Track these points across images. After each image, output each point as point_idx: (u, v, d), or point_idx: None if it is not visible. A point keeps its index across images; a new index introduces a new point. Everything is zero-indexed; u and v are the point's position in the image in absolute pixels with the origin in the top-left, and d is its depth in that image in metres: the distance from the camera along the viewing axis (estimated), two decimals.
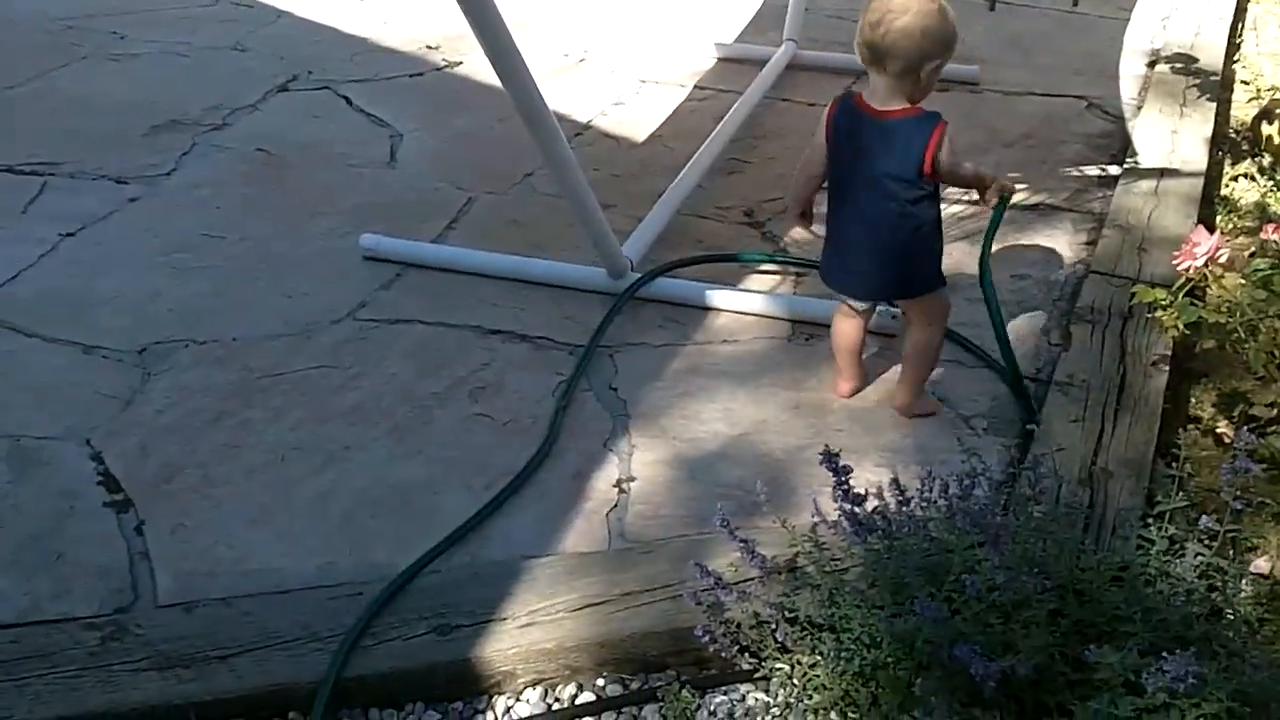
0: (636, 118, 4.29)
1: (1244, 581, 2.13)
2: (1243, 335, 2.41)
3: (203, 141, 4.11)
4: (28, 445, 2.70)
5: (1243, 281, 2.56)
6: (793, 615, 2.09)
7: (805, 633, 2.07)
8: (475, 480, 2.58)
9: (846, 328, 2.77)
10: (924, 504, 2.14)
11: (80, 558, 2.40)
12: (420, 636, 2.15)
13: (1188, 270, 2.52)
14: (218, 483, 2.60)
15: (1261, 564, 2.44)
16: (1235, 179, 4.03)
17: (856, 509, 2.03)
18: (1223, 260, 2.51)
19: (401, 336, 3.07)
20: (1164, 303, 2.59)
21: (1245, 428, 2.79)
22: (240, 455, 2.67)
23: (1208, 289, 2.62)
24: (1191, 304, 2.47)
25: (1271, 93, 4.59)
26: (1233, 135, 4.30)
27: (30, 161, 3.98)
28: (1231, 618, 2.04)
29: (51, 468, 2.64)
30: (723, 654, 2.10)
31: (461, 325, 3.11)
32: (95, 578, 2.35)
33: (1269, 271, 2.41)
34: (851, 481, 2.03)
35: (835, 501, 2.04)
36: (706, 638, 2.07)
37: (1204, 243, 2.50)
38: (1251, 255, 2.92)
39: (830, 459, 2.02)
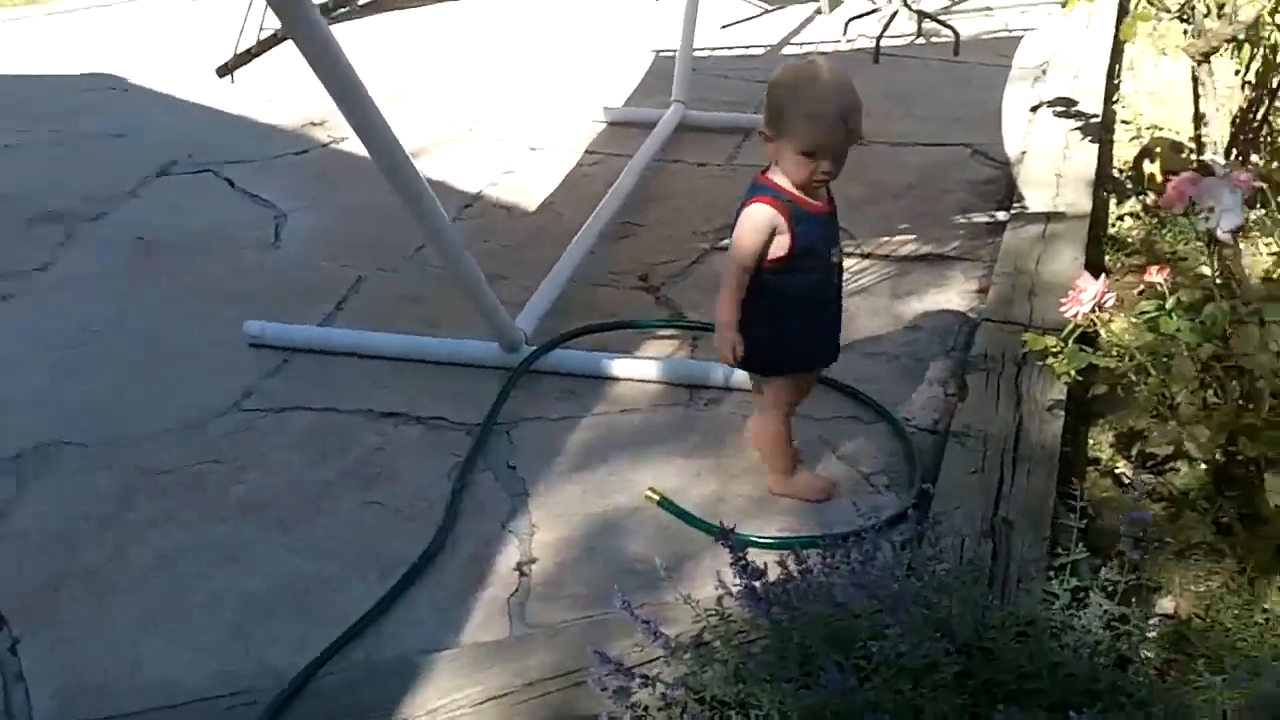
0: (527, 185, 4.26)
1: (1150, 624, 2.11)
2: (1133, 379, 2.41)
3: (80, 232, 4.02)
4: None
5: (1132, 323, 2.57)
6: (700, 695, 2.04)
7: (714, 711, 2.03)
8: (370, 572, 2.51)
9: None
10: (826, 570, 2.11)
11: None
12: None
13: (1075, 316, 2.53)
14: (104, 592, 2.50)
15: (1167, 604, 2.45)
16: (1121, 218, 4.09)
17: (755, 583, 1.99)
18: (1109, 305, 2.52)
19: (289, 425, 3.00)
20: (1054, 350, 2.59)
21: (1143, 468, 2.83)
22: (127, 561, 2.58)
23: (1098, 332, 2.63)
24: (1081, 350, 2.47)
25: (1152, 131, 4.66)
26: (1117, 175, 4.37)
27: None
28: (1138, 666, 2.02)
29: None
30: None
31: (352, 410, 3.04)
32: None
33: (1155, 314, 2.42)
34: (747, 555, 1.99)
35: (734, 577, 2.00)
36: None
37: (1090, 288, 2.50)
38: (1140, 294, 2.94)
39: (724, 535, 1.98)
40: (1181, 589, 2.50)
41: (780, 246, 2.45)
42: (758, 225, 2.44)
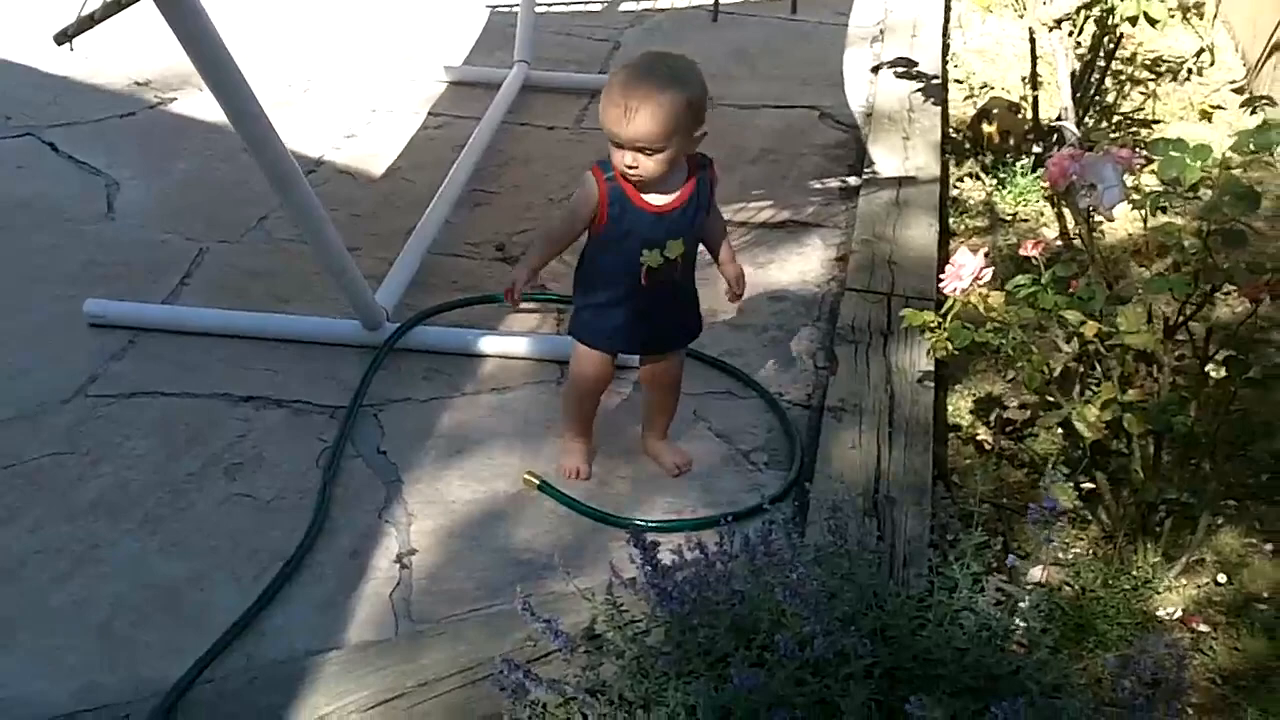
0: (371, 150, 4.12)
1: (1026, 597, 2.15)
2: (1014, 355, 2.44)
3: None
4: None
5: (1004, 299, 2.59)
6: (599, 689, 2.01)
7: (615, 707, 1.99)
8: (244, 570, 2.41)
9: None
10: (724, 557, 2.09)
11: None
12: None
13: (954, 292, 2.54)
14: None
15: (1037, 573, 2.49)
16: (961, 179, 4.15)
17: (659, 575, 1.96)
18: (986, 279, 2.54)
19: (142, 412, 2.85)
20: (933, 325, 2.60)
21: (1002, 434, 2.89)
22: None
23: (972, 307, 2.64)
24: (965, 327, 2.49)
25: (985, 91, 4.74)
26: (954, 135, 4.43)
27: None
28: (1025, 644, 2.05)
29: None
30: None
31: (209, 394, 2.91)
32: None
33: (1033, 288, 2.44)
34: (658, 554, 1.95)
35: (643, 577, 1.96)
36: None
37: (969, 264, 2.52)
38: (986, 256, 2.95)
39: (638, 538, 1.94)
40: (1049, 557, 2.55)
41: (597, 219, 2.46)
42: (580, 191, 2.48)
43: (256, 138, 2.60)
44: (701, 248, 2.58)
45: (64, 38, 2.57)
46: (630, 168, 2.36)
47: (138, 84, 4.59)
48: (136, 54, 4.67)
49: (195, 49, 2.44)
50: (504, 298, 2.57)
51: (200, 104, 4.33)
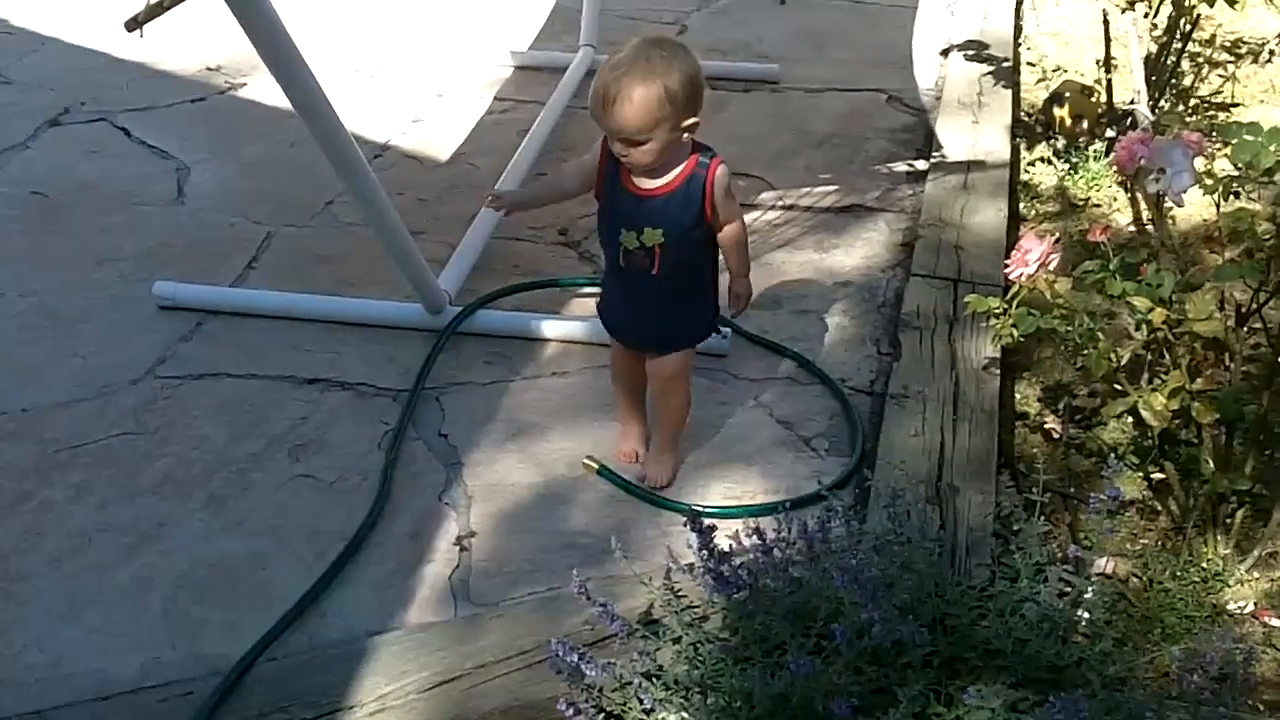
0: (437, 135, 4.14)
1: (1090, 588, 2.12)
2: (1081, 343, 2.40)
3: None
4: None
5: (1072, 285, 2.55)
6: (655, 674, 2.00)
7: (670, 691, 1.99)
8: (305, 550, 2.43)
9: None
10: (782, 544, 2.07)
11: None
12: None
13: (1020, 277, 2.51)
14: (20, 576, 2.38)
15: (1101, 564, 2.45)
16: (1033, 164, 4.09)
17: (722, 567, 1.95)
18: (1053, 265, 2.51)
19: (209, 393, 2.88)
20: (997, 311, 2.57)
21: (1071, 422, 2.84)
22: (43, 542, 2.46)
23: (1038, 293, 2.61)
24: (1030, 313, 2.46)
25: (1058, 74, 4.68)
26: (1025, 119, 4.37)
27: None
28: (1088, 635, 2.02)
29: None
30: None
31: (274, 376, 2.93)
32: None
33: (1100, 274, 2.40)
34: (715, 540, 1.94)
35: (700, 563, 1.95)
36: (570, 710, 1.97)
37: (1035, 249, 2.48)
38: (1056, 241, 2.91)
39: (696, 523, 1.93)
40: (1116, 549, 2.51)
41: (596, 188, 2.47)
42: (589, 155, 2.47)
43: (320, 124, 2.61)
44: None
45: (134, 24, 2.59)
46: (622, 155, 2.33)
47: (208, 69, 4.64)
48: (207, 40, 4.71)
49: (257, 36, 2.45)
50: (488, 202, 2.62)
51: (269, 89, 4.34)
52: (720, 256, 2.53)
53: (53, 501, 2.57)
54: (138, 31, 2.62)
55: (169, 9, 2.59)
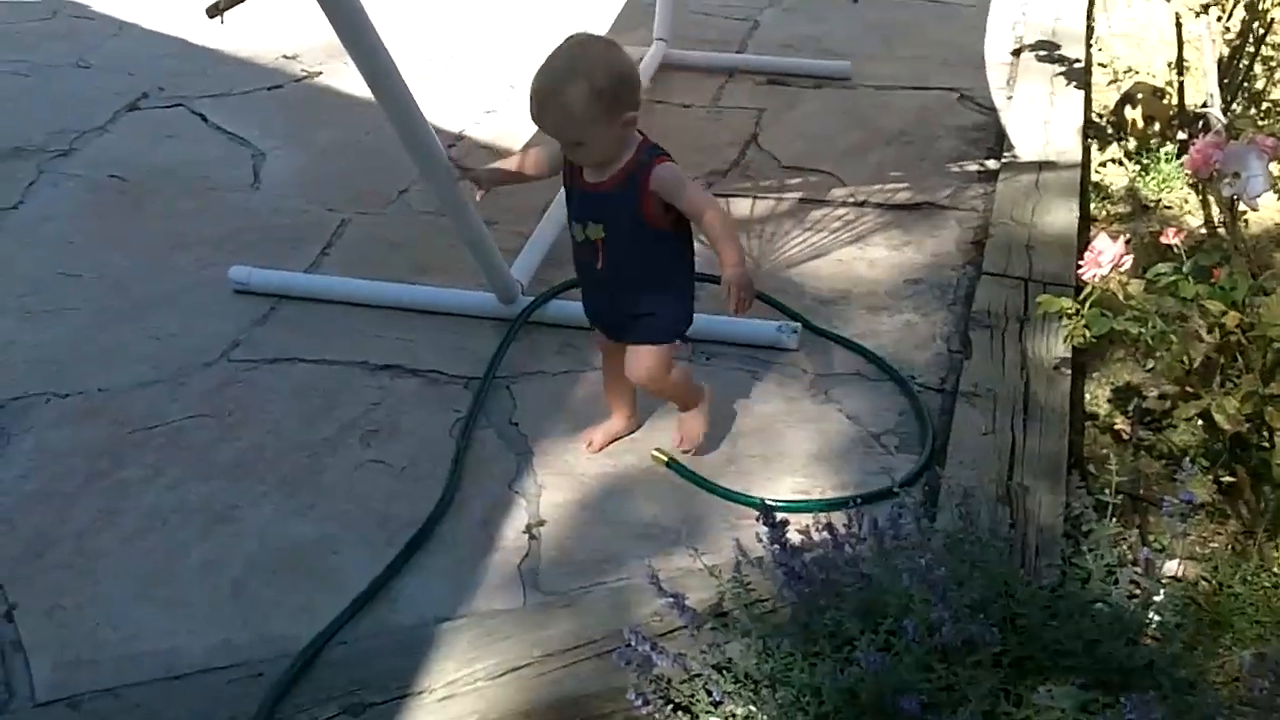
0: (510, 126, 4.15)
1: (1161, 590, 2.10)
2: (1153, 345, 2.38)
3: (50, 170, 3.87)
4: None
5: (1144, 287, 2.53)
6: (724, 666, 2.01)
7: (739, 684, 1.99)
8: (376, 535, 2.45)
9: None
10: (853, 540, 2.07)
11: None
12: (332, 718, 2.02)
13: (1093, 279, 2.49)
14: (95, 554, 2.42)
15: (1172, 567, 2.43)
16: (1104, 164, 4.06)
17: (789, 557, 1.95)
18: (1126, 267, 2.49)
19: (282, 377, 2.91)
20: (1070, 312, 2.55)
21: (1141, 424, 2.81)
22: (117, 521, 2.50)
23: (1111, 294, 2.59)
24: (1103, 314, 2.44)
25: (1130, 75, 4.62)
26: (1097, 120, 4.33)
27: None
28: (1159, 638, 2.00)
29: None
30: (655, 715, 2.01)
31: (346, 361, 2.96)
32: None
33: (1174, 277, 2.38)
34: (787, 534, 1.94)
35: (771, 557, 1.96)
36: (639, 700, 1.97)
37: (1109, 250, 2.46)
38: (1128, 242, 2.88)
39: (768, 517, 1.93)
40: (1186, 552, 2.49)
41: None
42: None
43: (399, 112, 2.64)
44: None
45: (215, 10, 2.63)
46: (569, 154, 2.39)
47: (285, 57, 4.69)
48: (284, 28, 4.78)
49: (340, 23, 2.48)
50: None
51: (345, 78, 4.41)
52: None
53: (127, 481, 2.61)
54: (218, 18, 2.65)
55: None
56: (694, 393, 2.67)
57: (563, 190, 2.52)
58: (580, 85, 2.24)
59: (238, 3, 2.65)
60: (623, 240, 2.41)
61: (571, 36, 2.34)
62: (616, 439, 2.71)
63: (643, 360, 2.52)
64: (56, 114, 4.22)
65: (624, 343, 2.55)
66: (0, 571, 2.37)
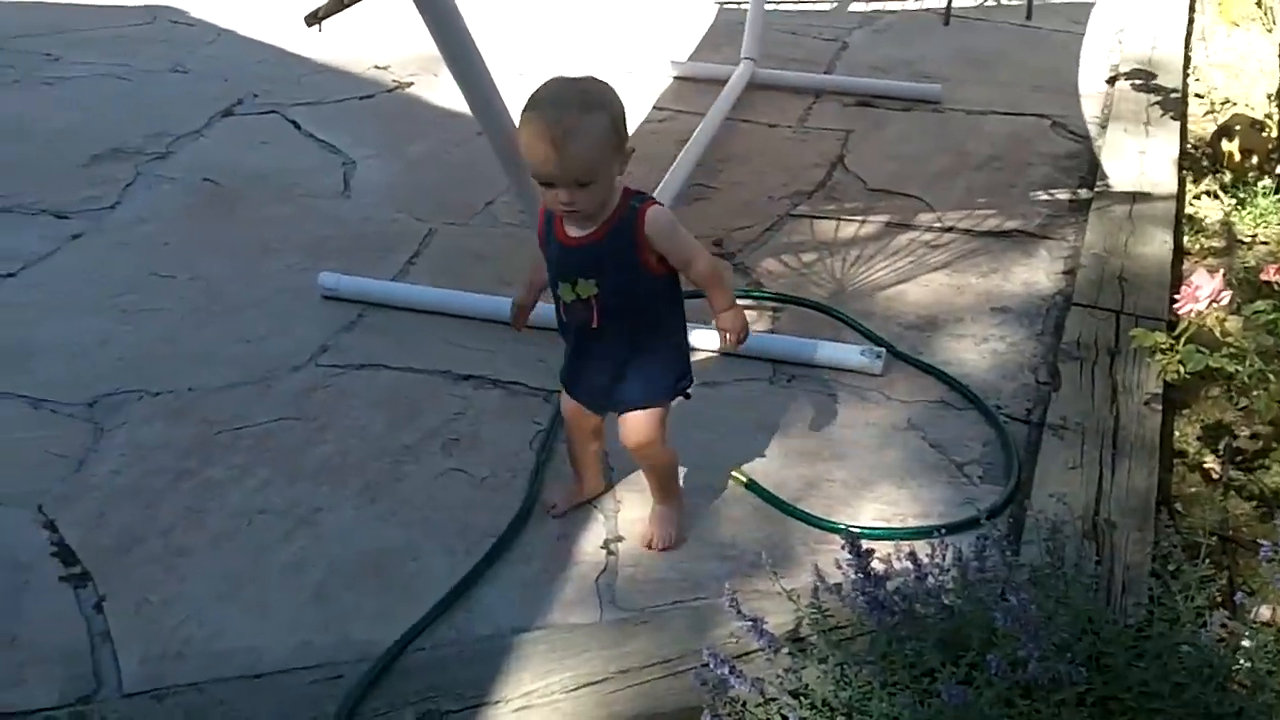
0: None
1: (1251, 635, 2.06)
2: (1249, 383, 2.34)
3: (147, 171, 3.95)
4: None
5: (1241, 324, 2.49)
6: (801, 692, 1.99)
7: (815, 711, 1.98)
8: (455, 544, 2.46)
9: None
10: (936, 570, 2.05)
11: (36, 640, 2.25)
12: None
13: (1189, 314, 2.45)
14: (182, 551, 2.45)
15: (1264, 612, 2.38)
16: (1198, 197, 4.00)
17: (875, 590, 1.93)
18: (1224, 303, 2.45)
19: (368, 383, 2.94)
20: (1164, 347, 2.51)
21: (1232, 464, 2.76)
22: (204, 520, 2.53)
23: (1207, 330, 2.55)
24: (1199, 351, 2.40)
25: (1228, 106, 4.56)
26: (1192, 151, 4.27)
27: None
28: (1248, 685, 1.96)
29: (0, 538, 2.48)
30: None
31: (430, 370, 2.98)
32: (54, 663, 2.20)
33: (1273, 315, 2.34)
34: (871, 562, 1.93)
35: (852, 584, 1.94)
36: None
37: (1206, 286, 2.43)
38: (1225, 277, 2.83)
39: (852, 544, 1.92)
40: (1278, 597, 2.44)
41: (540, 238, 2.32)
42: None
43: (493, 122, 2.66)
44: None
45: (314, 19, 2.67)
46: (566, 205, 2.15)
47: (377, 68, 4.75)
48: (376, 39, 4.84)
49: (442, 36, 2.50)
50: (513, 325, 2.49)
51: (435, 89, 4.46)
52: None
53: (214, 481, 2.64)
54: (317, 26, 2.69)
55: (349, 5, 2.66)
56: (676, 478, 2.51)
57: (655, 196, 2.41)
58: (600, 117, 2.10)
59: (337, 11, 2.69)
60: (619, 294, 2.24)
61: (557, 77, 2.20)
62: (582, 504, 2.58)
63: (641, 422, 2.36)
64: (154, 117, 4.30)
65: (619, 410, 2.38)
66: (91, 564, 2.42)
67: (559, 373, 2.45)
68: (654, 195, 3.27)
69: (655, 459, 2.44)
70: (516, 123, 2.69)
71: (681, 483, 2.56)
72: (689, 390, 2.41)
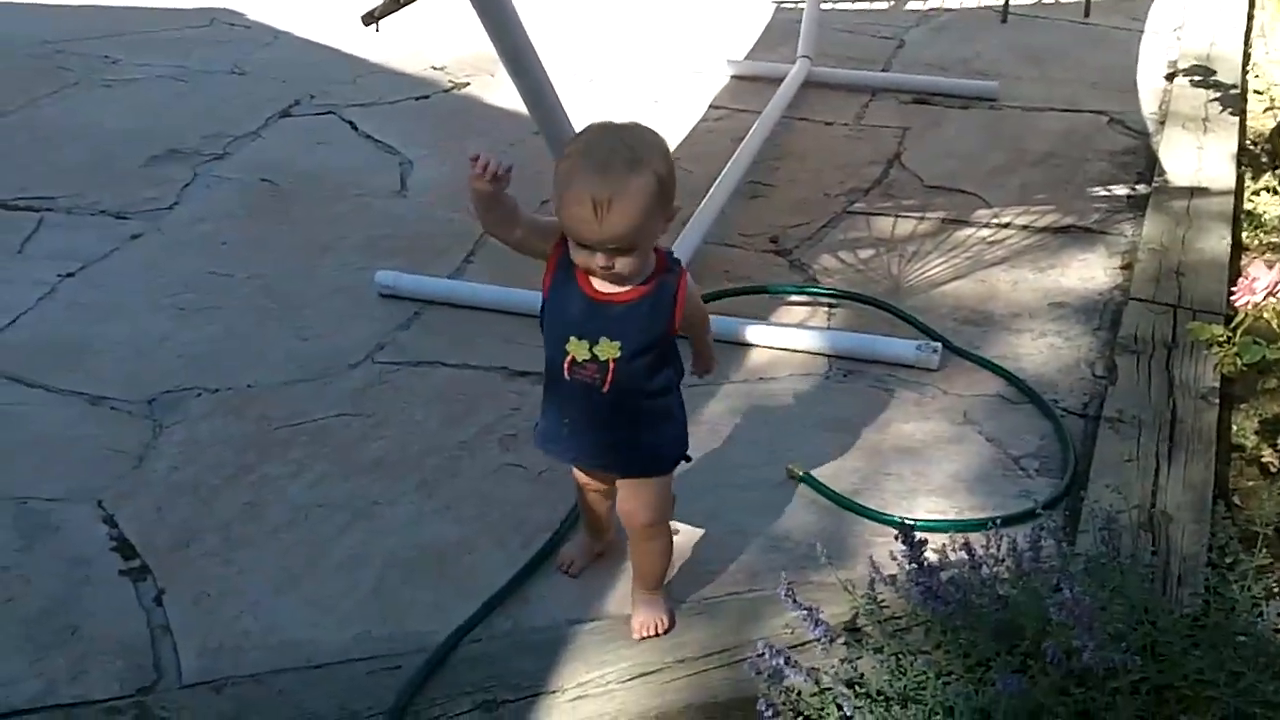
0: None
1: None
2: None
3: (204, 172, 4.00)
4: (36, 508, 2.57)
5: None
6: (856, 682, 1.99)
7: (870, 701, 1.97)
8: (510, 538, 2.48)
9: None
10: (991, 561, 2.05)
11: (97, 633, 2.27)
12: (465, 714, 2.05)
13: (1246, 306, 2.43)
14: (240, 545, 2.48)
15: None
16: (1257, 193, 3.95)
17: (929, 577, 1.93)
18: None
19: (424, 380, 2.97)
20: (1221, 339, 2.49)
21: None
22: (262, 514, 2.56)
23: (1263, 322, 2.53)
24: (1256, 343, 2.38)
25: None
26: (1251, 147, 4.22)
27: (24, 196, 3.86)
28: None
29: (62, 533, 2.51)
30: None
31: (487, 367, 3.00)
32: (114, 655, 2.22)
33: None
34: (925, 553, 1.93)
35: (907, 575, 1.94)
36: (770, 711, 1.97)
37: (1264, 278, 2.41)
38: None
39: (907, 535, 1.92)
40: None
41: (547, 271, 2.09)
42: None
43: (549, 120, 2.67)
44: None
45: (370, 19, 2.70)
46: (606, 268, 1.93)
47: (433, 68, 4.79)
48: (432, 40, 4.88)
49: (499, 36, 2.52)
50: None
51: (491, 90, 4.49)
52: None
53: (272, 476, 2.67)
54: (374, 25, 2.72)
55: (405, 5, 2.68)
56: (669, 562, 2.30)
57: (710, 193, 2.25)
58: (648, 178, 1.88)
59: (393, 10, 2.72)
60: (639, 358, 2.02)
61: (598, 123, 2.00)
62: (597, 558, 2.43)
63: (649, 496, 2.17)
64: (211, 118, 4.35)
65: (626, 476, 2.18)
66: (151, 558, 2.45)
67: (538, 439, 2.23)
68: (711, 192, 3.25)
69: (657, 536, 2.23)
70: (576, 127, 2.72)
71: (748, 471, 2.57)
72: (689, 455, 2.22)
